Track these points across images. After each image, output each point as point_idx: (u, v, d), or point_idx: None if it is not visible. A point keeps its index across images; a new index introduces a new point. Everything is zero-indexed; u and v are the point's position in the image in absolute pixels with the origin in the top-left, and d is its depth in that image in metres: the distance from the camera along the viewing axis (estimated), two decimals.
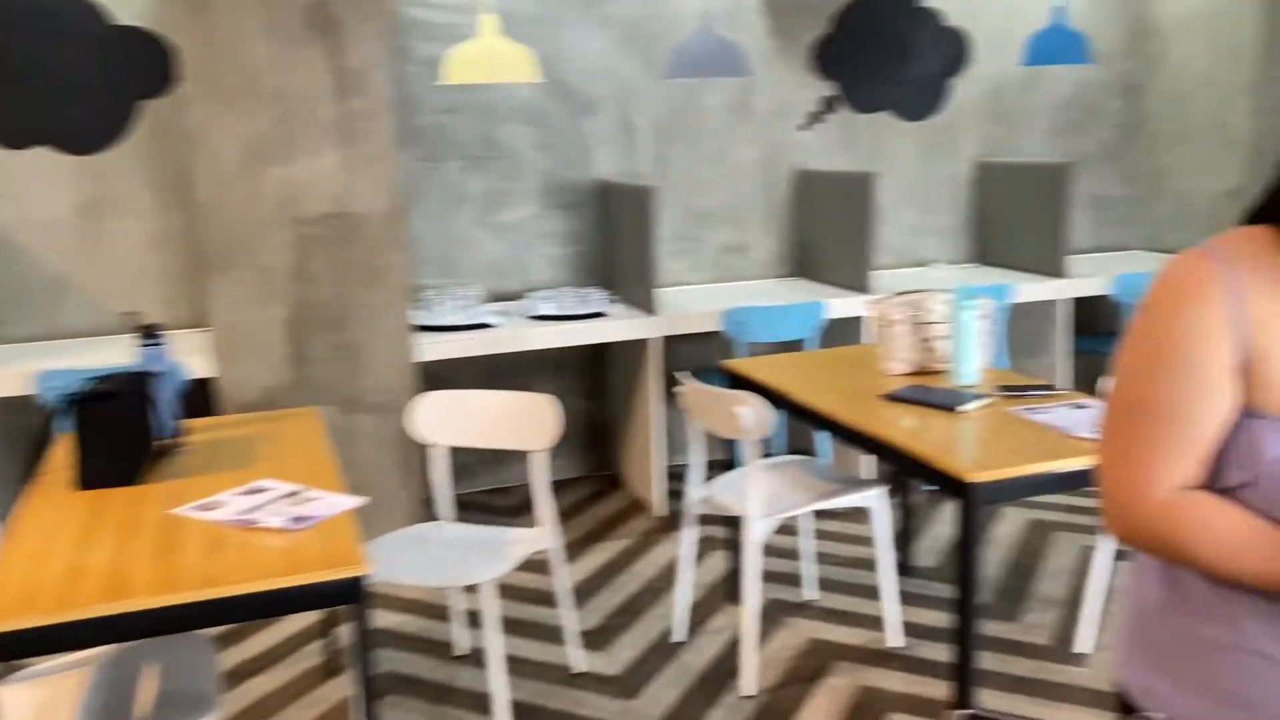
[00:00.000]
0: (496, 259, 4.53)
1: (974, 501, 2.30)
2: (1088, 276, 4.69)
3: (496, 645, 2.68)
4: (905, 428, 2.62)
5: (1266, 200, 1.22)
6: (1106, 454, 1.24)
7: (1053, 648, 3.12)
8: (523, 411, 2.84)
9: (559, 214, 4.58)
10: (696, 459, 3.11)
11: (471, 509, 4.36)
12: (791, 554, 3.68)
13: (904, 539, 3.68)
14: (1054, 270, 4.70)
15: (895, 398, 2.85)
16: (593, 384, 4.76)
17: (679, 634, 3.26)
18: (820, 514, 3.10)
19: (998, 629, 3.23)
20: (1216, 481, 1.17)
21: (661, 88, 4.64)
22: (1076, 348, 4.89)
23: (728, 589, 3.48)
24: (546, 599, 3.43)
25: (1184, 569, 1.24)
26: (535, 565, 3.62)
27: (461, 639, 3.19)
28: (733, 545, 3.36)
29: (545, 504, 2.82)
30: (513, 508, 4.33)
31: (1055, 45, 4.89)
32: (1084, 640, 3.10)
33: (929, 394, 2.85)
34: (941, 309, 3.07)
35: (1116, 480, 1.22)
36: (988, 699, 2.82)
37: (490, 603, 2.64)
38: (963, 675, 2.44)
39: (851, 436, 2.75)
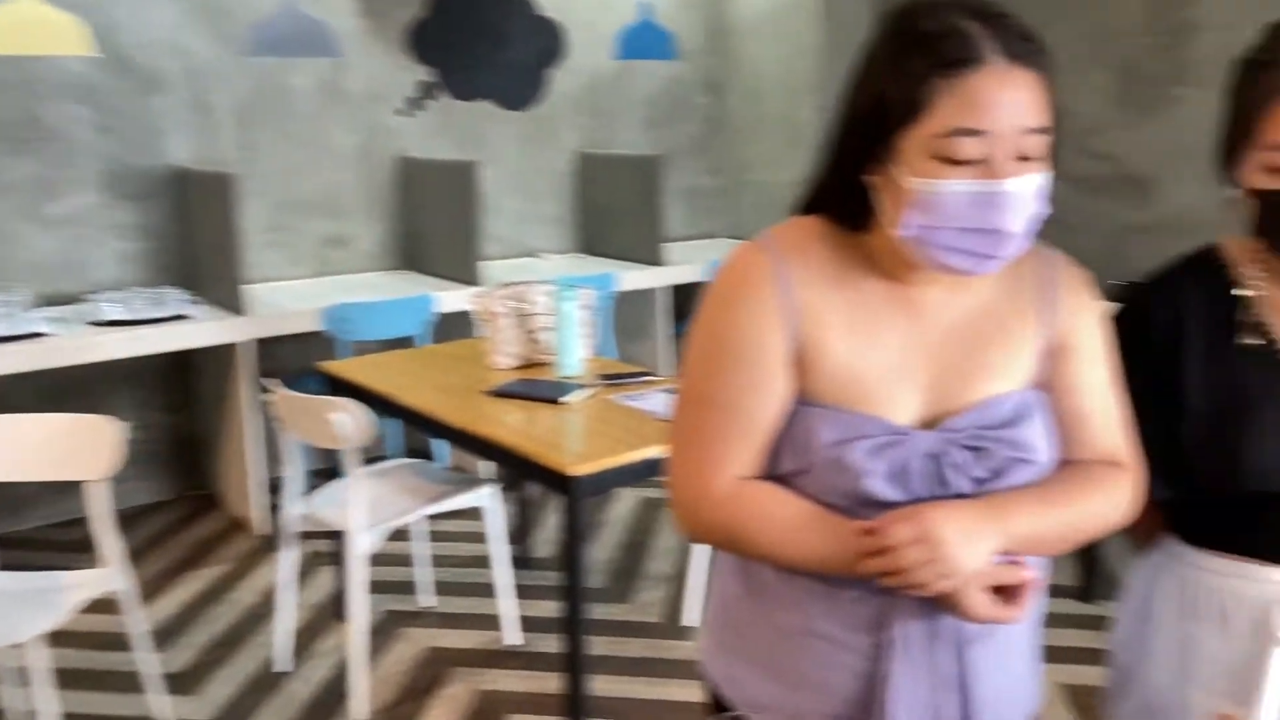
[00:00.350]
0: (48, 257, 3.94)
1: (576, 495, 2.27)
2: (683, 264, 4.91)
3: (51, 706, 2.30)
4: (510, 424, 2.55)
5: (811, 191, 1.24)
6: (675, 448, 1.22)
7: (663, 625, 3.21)
8: (72, 436, 2.44)
9: (126, 205, 4.07)
10: (294, 472, 2.87)
11: (31, 548, 3.78)
12: (406, 560, 3.52)
13: (521, 532, 3.64)
14: (652, 259, 4.88)
15: (501, 393, 2.79)
16: (178, 395, 4.29)
17: (283, 663, 3.00)
18: (437, 515, 2.98)
19: (612, 612, 3.28)
20: (773, 469, 1.18)
21: (241, 66, 4.26)
22: (676, 332, 5.13)
23: (337, 607, 3.26)
24: (126, 643, 3.02)
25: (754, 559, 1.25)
26: (113, 605, 3.19)
27: (15, 702, 2.72)
28: (341, 560, 3.14)
29: (110, 540, 2.46)
30: (81, 542, 3.79)
31: (644, 41, 5.07)
32: (691, 614, 3.22)
33: (534, 387, 2.81)
34: (544, 300, 3.04)
35: (683, 475, 1.20)
36: (602, 685, 2.84)
37: (38, 658, 2.26)
38: (573, 666, 2.43)
39: (457, 437, 2.65)
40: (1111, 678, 1.45)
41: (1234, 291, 1.27)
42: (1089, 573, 3.26)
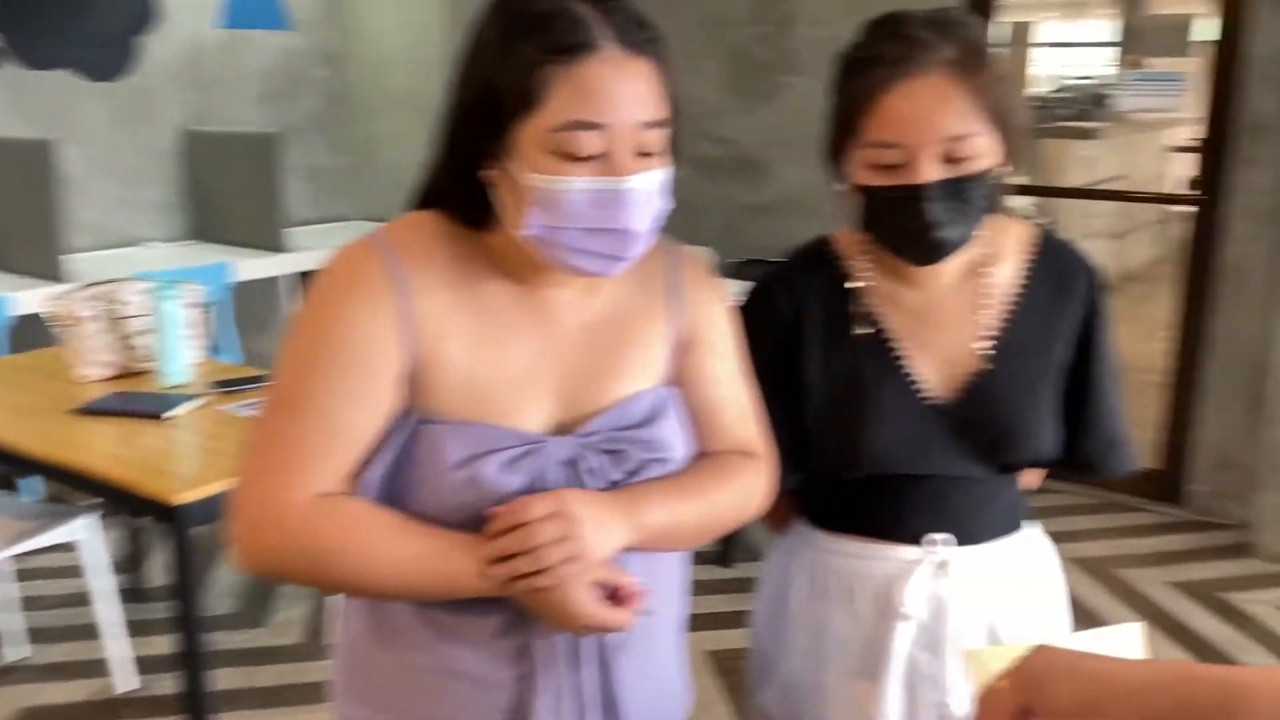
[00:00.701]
0: None
1: (185, 525, 2.01)
2: (309, 250, 4.59)
3: None
4: (103, 448, 2.22)
5: (427, 183, 1.13)
6: (249, 458, 1.05)
7: (304, 646, 2.98)
8: None
9: None
10: None
11: None
12: None
13: (134, 561, 3.24)
14: (274, 245, 4.52)
15: (92, 410, 2.42)
16: None
17: None
18: (28, 552, 2.56)
19: (244, 639, 3.00)
20: (392, 497, 1.05)
21: None
22: None
23: None
24: None
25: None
26: None
27: None
28: None
29: None
30: None
31: (253, 9, 4.67)
32: (334, 631, 3.01)
33: (131, 401, 2.48)
34: (139, 299, 2.69)
35: (253, 488, 1.04)
36: None
37: None
38: (194, 707, 2.17)
39: (38, 467, 2.27)
40: (752, 665, 1.46)
41: (847, 284, 1.30)
42: (727, 538, 3.41)
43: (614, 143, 0.99)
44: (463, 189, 1.07)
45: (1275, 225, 3.54)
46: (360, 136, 5.44)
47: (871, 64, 1.18)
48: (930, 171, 1.15)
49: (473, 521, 1.03)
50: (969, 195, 1.17)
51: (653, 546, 1.10)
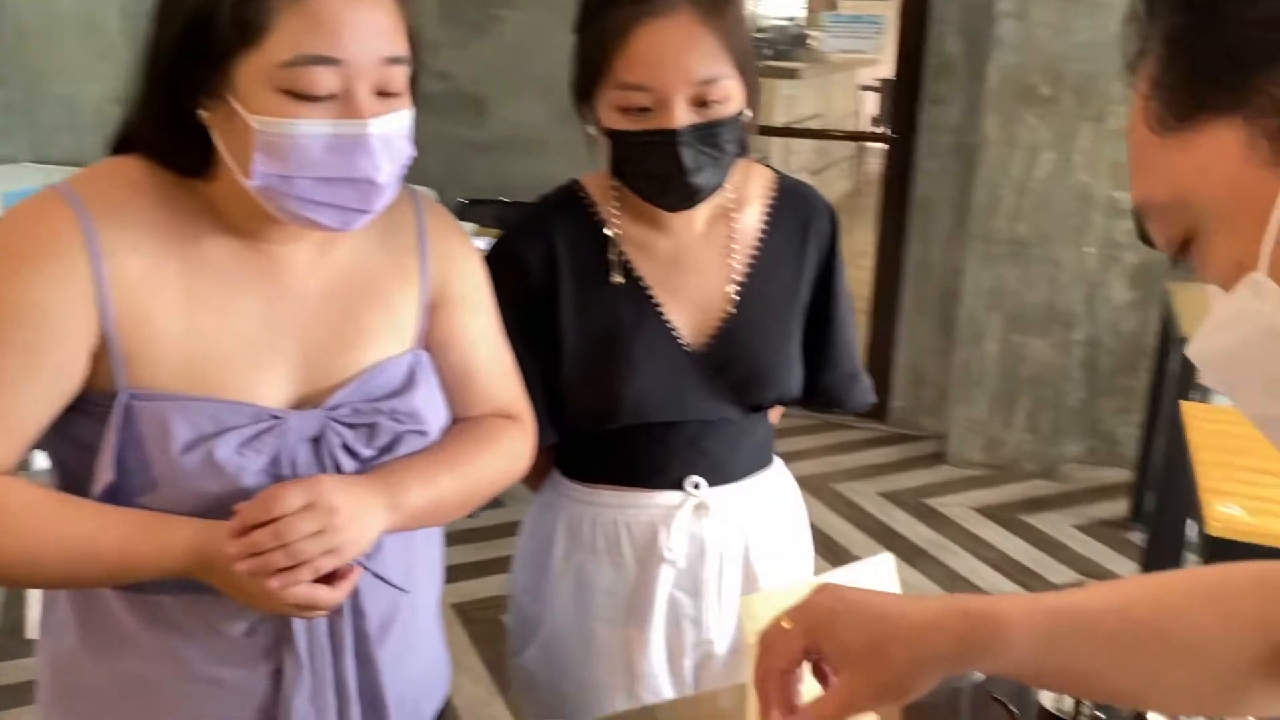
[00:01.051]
0: None
1: None
2: None
3: None
4: None
5: (130, 123, 0.99)
6: None
7: (1, 644, 2.66)
8: None
9: None
10: None
11: None
12: None
13: None
14: None
15: None
16: None
17: None
18: None
19: None
20: (117, 490, 0.92)
21: None
22: None
23: None
24: None
25: (101, 601, 1.00)
26: None
27: None
28: None
29: None
30: None
31: None
32: (37, 626, 2.71)
33: None
34: None
35: None
36: None
37: None
38: None
39: None
40: (514, 626, 1.43)
41: (605, 232, 1.27)
42: None
43: (352, 80, 0.90)
44: (173, 131, 0.94)
45: (959, 161, 3.85)
46: (27, 69, 4.80)
47: (616, 3, 1.14)
48: (682, 116, 1.13)
49: (214, 509, 0.93)
50: (720, 140, 1.16)
51: (415, 526, 1.04)
